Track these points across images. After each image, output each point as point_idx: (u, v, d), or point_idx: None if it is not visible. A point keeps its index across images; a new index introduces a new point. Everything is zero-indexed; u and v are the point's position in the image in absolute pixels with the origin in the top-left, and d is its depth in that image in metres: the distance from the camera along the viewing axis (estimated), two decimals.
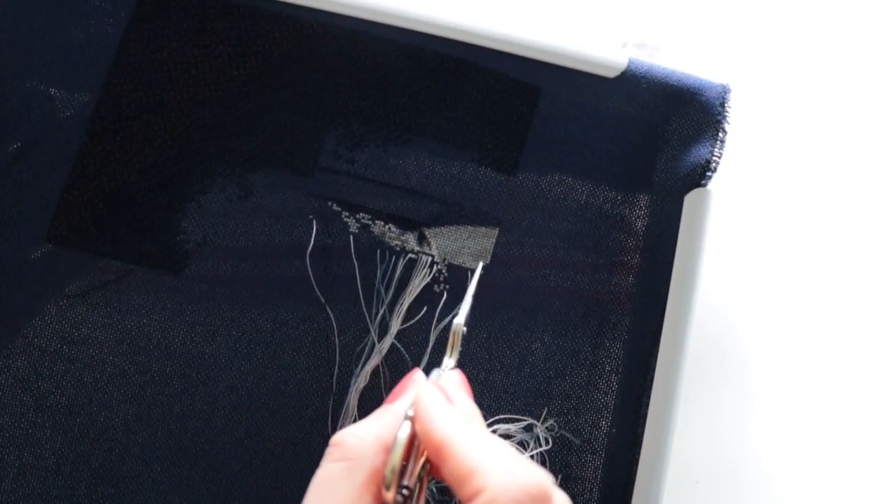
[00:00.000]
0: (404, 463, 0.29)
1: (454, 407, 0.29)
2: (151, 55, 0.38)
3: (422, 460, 0.29)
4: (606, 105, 0.39)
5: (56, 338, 0.37)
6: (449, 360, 0.35)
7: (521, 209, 0.39)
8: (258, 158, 0.38)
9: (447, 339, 0.38)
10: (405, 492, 0.28)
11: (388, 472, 0.28)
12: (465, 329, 0.35)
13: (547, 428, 0.38)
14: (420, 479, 0.29)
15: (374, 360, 0.38)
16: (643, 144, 0.39)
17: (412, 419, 0.29)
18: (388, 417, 0.30)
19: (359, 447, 0.28)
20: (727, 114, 0.38)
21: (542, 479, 0.25)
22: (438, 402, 0.28)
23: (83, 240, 0.37)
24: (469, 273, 0.38)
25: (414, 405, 0.29)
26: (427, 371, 0.35)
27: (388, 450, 0.28)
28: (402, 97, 0.39)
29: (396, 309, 0.38)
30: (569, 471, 0.38)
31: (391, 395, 0.32)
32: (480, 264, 0.38)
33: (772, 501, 0.43)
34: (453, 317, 0.36)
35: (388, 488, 0.28)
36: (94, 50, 0.38)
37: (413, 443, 0.29)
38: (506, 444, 0.28)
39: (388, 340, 0.38)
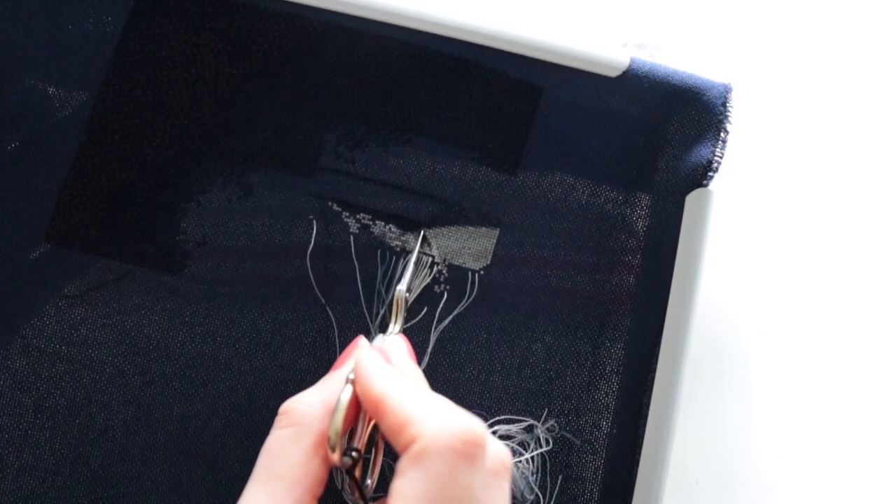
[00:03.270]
0: (353, 426, 0.30)
1: (392, 367, 0.30)
2: (150, 53, 0.38)
3: (372, 423, 0.30)
4: (608, 105, 0.39)
5: (55, 338, 0.37)
6: (393, 327, 0.35)
7: (522, 209, 0.39)
8: (258, 158, 0.38)
9: (447, 339, 0.38)
10: (354, 454, 0.29)
11: (331, 434, 0.28)
12: (408, 295, 0.36)
13: (548, 429, 0.38)
14: (375, 442, 0.30)
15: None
16: (645, 144, 0.39)
17: (353, 381, 0.29)
18: (333, 383, 0.31)
19: (306, 412, 0.29)
20: (729, 113, 0.38)
21: (475, 426, 0.26)
22: (376, 363, 0.29)
23: (82, 240, 0.37)
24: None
25: (354, 368, 0.30)
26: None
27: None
28: (403, 97, 0.39)
29: None
30: (569, 471, 0.38)
31: (337, 362, 0.33)
32: (422, 233, 0.38)
33: (771, 501, 0.43)
34: (396, 283, 0.37)
35: (333, 450, 0.28)
36: (93, 48, 0.38)
37: (358, 405, 0.29)
38: (441, 398, 0.29)
39: None
